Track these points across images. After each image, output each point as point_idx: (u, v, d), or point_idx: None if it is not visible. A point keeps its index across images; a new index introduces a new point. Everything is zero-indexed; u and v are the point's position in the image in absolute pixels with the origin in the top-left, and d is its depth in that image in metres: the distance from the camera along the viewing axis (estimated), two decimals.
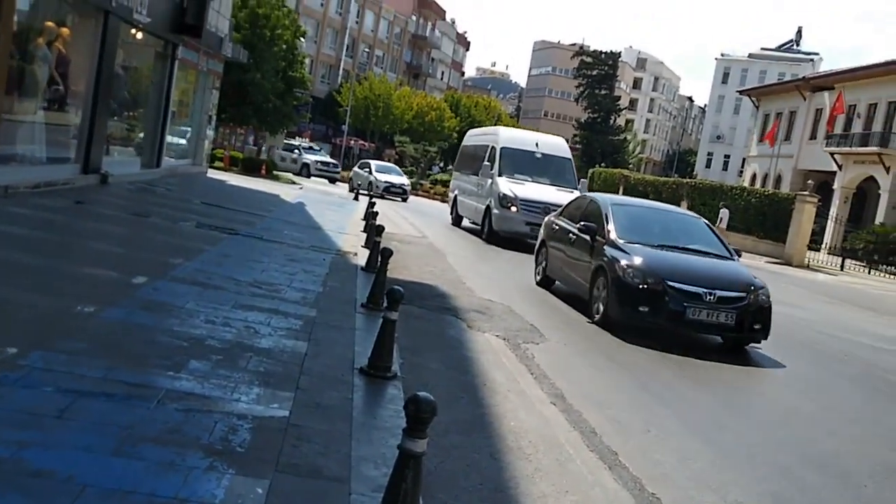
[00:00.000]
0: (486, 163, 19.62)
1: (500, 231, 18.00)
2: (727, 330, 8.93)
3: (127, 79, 17.00)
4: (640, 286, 8.86)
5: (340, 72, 66.19)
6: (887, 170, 36.93)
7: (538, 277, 12.35)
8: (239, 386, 4.59)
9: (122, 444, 3.55)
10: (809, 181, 34.08)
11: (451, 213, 23.26)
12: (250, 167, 33.55)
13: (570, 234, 11.12)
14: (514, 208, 17.72)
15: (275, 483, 3.44)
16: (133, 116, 18.43)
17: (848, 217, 38.78)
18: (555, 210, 15.73)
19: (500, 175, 18.81)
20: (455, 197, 23.03)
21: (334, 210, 20.10)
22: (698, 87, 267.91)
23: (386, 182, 34.10)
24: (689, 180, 38.83)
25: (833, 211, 37.55)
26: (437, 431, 4.53)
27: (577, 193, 17.02)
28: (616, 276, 9.12)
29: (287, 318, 6.50)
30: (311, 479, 3.56)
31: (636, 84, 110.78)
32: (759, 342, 9.19)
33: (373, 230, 11.18)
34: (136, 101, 18.26)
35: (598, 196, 12.34)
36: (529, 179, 18.86)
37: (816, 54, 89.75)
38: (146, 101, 18.41)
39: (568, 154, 20.65)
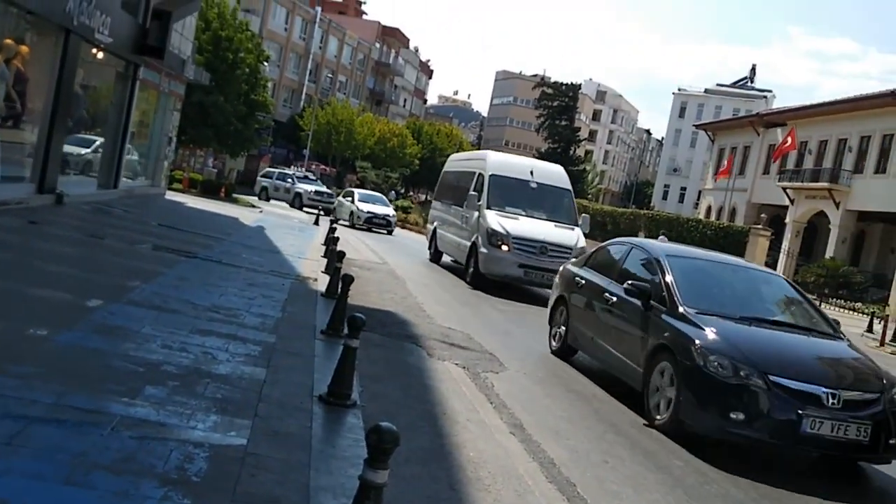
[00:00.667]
0: (471, 192, 16.89)
1: (489, 274, 15.36)
2: (860, 450, 6.24)
3: (86, 98, 16.78)
4: (731, 381, 6.24)
5: (303, 96, 66.09)
6: (837, 205, 38.02)
7: (555, 345, 9.69)
8: (196, 413, 4.52)
9: (73, 472, 3.46)
10: (763, 215, 34.94)
11: (430, 248, 20.73)
12: (209, 189, 33.21)
13: (606, 294, 8.48)
14: (505, 247, 15.12)
15: None
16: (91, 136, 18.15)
17: (799, 251, 39.78)
18: (556, 251, 14.89)
19: (488, 207, 16.10)
20: (434, 230, 20.36)
21: (294, 234, 19.97)
22: (656, 120, 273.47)
23: (369, 213, 31.09)
24: (646, 211, 39.53)
25: (785, 244, 38.50)
26: (396, 461, 4.48)
27: (578, 231, 16.02)
28: (692, 364, 6.49)
29: (245, 343, 6.42)
30: None
31: (596, 116, 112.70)
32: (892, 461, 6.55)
33: (333, 255, 11.14)
34: (95, 120, 18.01)
35: (646, 243, 9.60)
36: (523, 213, 16.22)
37: (770, 91, 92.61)
38: (105, 121, 18.17)
39: (567, 184, 17.81)
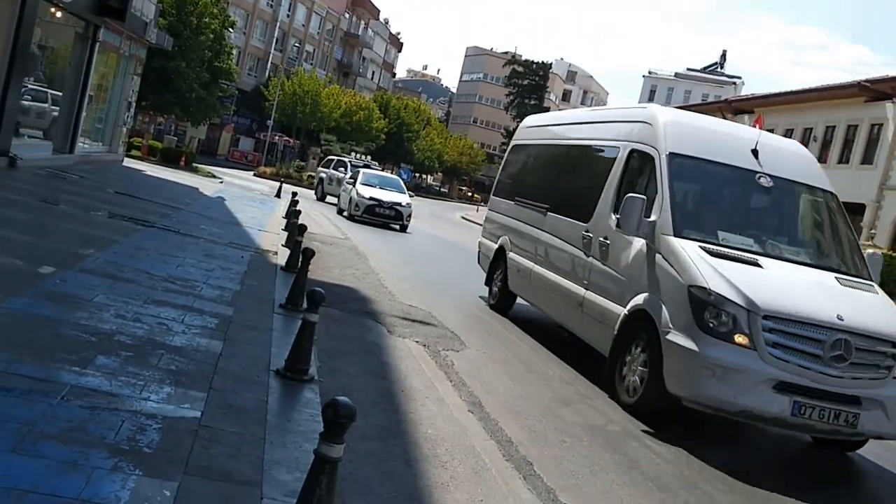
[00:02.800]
0: (633, 196, 7.25)
1: (699, 403, 6.30)
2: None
3: (43, 59, 16.30)
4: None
5: (269, 65, 65.03)
6: None
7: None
8: (149, 384, 4.44)
9: (21, 440, 3.38)
10: None
11: (492, 285, 11.63)
12: (169, 158, 32.61)
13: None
14: (743, 339, 6.15)
15: (184, 486, 3.34)
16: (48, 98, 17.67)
17: None
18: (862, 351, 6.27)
19: (678, 234, 6.97)
20: (502, 254, 11.27)
21: (255, 207, 19.71)
22: (626, 102, 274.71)
23: (371, 200, 22.69)
24: None
25: None
26: (353, 437, 4.47)
27: (879, 291, 7.25)
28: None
29: (202, 315, 6.32)
30: (221, 483, 3.47)
31: (566, 96, 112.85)
32: None
33: (294, 229, 11.02)
34: (52, 82, 17.52)
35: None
36: (753, 249, 7.12)
37: (739, 78, 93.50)
38: (62, 84, 17.68)
39: (827, 183, 8.58)
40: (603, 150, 9.16)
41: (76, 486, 3.11)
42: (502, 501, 4.34)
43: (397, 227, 22.93)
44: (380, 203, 22.83)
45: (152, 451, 3.59)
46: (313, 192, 32.23)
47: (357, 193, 23.02)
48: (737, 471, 5.79)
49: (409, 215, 23.31)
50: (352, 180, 24.39)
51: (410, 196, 25.78)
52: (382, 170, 37.33)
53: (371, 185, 23.71)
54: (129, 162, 25.17)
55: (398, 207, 23.05)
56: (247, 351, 5.59)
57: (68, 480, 3.15)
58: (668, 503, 4.87)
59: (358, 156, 33.47)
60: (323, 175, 31.17)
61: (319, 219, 20.83)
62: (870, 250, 9.75)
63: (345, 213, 23.88)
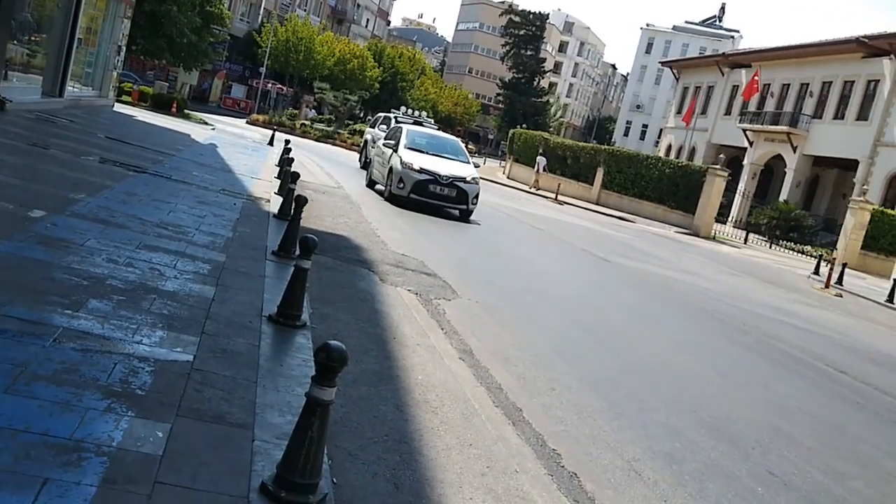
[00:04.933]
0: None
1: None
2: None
3: (31, 0, 15.95)
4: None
5: (261, 11, 63.88)
6: (794, 149, 38.60)
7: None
8: (141, 328, 4.45)
9: (14, 381, 3.40)
10: (721, 155, 35.33)
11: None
12: (160, 104, 32.21)
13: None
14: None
15: (176, 427, 3.37)
16: (35, 41, 17.34)
17: (755, 193, 40.47)
18: None
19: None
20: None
21: (248, 154, 19.57)
22: (622, 55, 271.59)
23: (423, 171, 15.99)
24: (607, 147, 39.53)
25: (741, 186, 39.13)
26: (344, 382, 4.52)
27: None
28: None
29: (194, 261, 6.32)
30: (214, 424, 3.50)
31: (562, 47, 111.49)
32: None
33: (287, 177, 10.95)
34: (40, 24, 17.18)
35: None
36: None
37: (737, 31, 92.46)
38: (51, 26, 17.34)
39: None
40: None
41: (69, 427, 3.14)
42: (491, 446, 4.40)
43: (457, 211, 16.46)
44: (436, 177, 15.95)
45: (145, 394, 3.62)
46: (358, 157, 26.31)
47: (401, 162, 16.19)
48: (720, 417, 5.89)
49: (477, 195, 16.46)
50: (391, 142, 17.60)
51: (476, 167, 18.55)
52: (371, 118, 33.64)
53: (420, 150, 16.91)
54: (119, 107, 24.86)
55: (461, 184, 16.12)
56: (239, 297, 5.60)
57: (62, 420, 3.18)
58: (654, 449, 4.95)
59: (408, 111, 24.22)
60: (368, 137, 23.73)
61: (312, 167, 20.68)
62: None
63: (382, 190, 17.13)
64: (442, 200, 16.02)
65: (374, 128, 24.61)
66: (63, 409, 3.28)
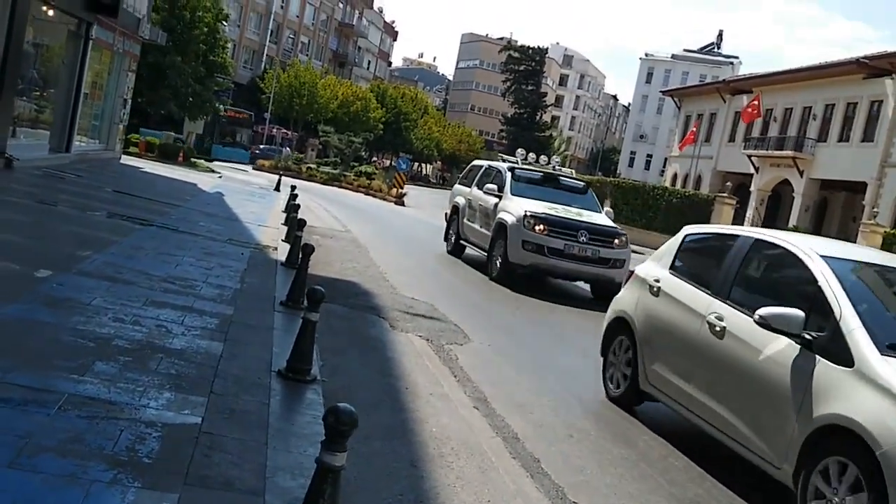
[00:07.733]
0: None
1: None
2: None
3: (37, 57, 16.18)
4: None
5: (264, 58, 64.73)
6: (801, 173, 38.49)
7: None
8: (148, 390, 4.36)
9: (18, 454, 3.31)
10: (728, 183, 35.26)
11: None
12: (167, 154, 32.48)
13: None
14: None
15: (184, 497, 3.26)
16: (42, 97, 17.56)
17: (763, 219, 40.28)
18: None
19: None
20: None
21: (255, 201, 19.63)
22: (623, 85, 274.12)
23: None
24: (612, 179, 39.58)
25: (749, 212, 38.97)
26: (357, 438, 4.38)
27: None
28: None
29: (202, 316, 6.24)
30: (223, 492, 3.40)
31: (562, 81, 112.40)
32: None
33: (294, 224, 10.93)
34: (46, 81, 17.40)
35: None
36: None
37: (736, 57, 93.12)
38: (57, 82, 17.56)
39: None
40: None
41: (74, 501, 3.04)
42: (510, 502, 4.27)
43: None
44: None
45: (152, 462, 3.52)
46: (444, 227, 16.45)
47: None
48: (743, 461, 5.72)
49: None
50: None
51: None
52: (376, 159, 33.03)
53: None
54: (126, 159, 25.06)
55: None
56: (248, 352, 5.52)
57: (66, 495, 3.08)
58: (677, 497, 4.79)
59: (527, 158, 15.80)
60: (461, 202, 15.39)
61: (319, 211, 20.71)
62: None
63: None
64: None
65: (468, 184, 15.61)
66: (68, 482, 3.19)
